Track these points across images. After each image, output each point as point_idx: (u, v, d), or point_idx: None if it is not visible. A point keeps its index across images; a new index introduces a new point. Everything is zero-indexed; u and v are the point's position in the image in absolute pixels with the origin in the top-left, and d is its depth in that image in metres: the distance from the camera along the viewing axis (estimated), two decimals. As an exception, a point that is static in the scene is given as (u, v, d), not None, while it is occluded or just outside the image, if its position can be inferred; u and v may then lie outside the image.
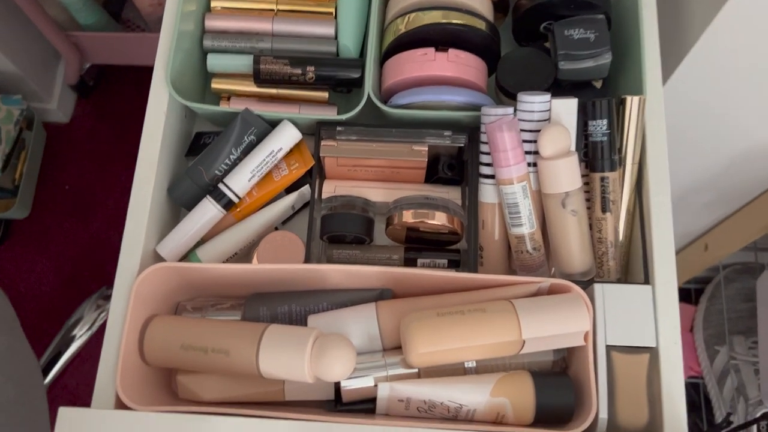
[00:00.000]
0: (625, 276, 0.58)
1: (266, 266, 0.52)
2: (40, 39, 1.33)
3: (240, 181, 0.57)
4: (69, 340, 1.15)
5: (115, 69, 1.48)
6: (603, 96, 0.61)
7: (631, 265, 0.58)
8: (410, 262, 0.60)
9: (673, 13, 0.68)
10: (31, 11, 1.22)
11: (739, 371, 1.11)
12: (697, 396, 1.17)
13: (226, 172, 0.58)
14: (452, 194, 0.60)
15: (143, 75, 1.46)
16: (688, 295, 1.26)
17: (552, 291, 0.52)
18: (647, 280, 0.54)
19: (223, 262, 0.59)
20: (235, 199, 0.58)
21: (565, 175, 0.52)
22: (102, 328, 1.16)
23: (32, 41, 1.34)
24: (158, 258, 0.58)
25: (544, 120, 0.54)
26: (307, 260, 0.57)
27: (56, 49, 1.35)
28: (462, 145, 0.59)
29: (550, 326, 0.48)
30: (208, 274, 0.54)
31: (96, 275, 1.40)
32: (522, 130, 0.54)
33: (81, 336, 1.15)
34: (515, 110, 0.55)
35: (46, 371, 1.05)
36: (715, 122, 0.77)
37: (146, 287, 0.53)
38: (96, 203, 1.43)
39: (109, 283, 1.26)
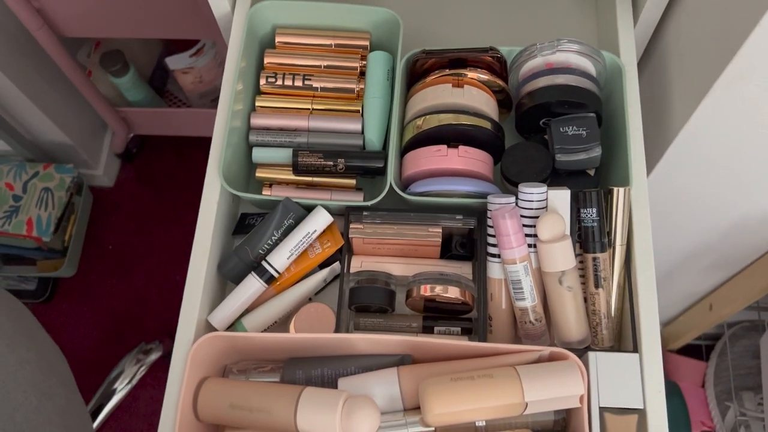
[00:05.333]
0: (618, 344, 0.65)
1: (302, 335, 0.61)
2: (91, 112, 1.47)
3: (280, 259, 0.67)
4: (110, 394, 1.20)
5: (155, 137, 1.61)
6: (596, 182, 0.70)
7: (624, 333, 0.65)
8: (428, 330, 0.68)
9: (660, 104, 0.77)
10: (85, 90, 1.36)
11: (749, 427, 1.15)
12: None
13: (268, 251, 0.68)
14: (464, 269, 0.69)
15: (181, 142, 1.60)
16: (698, 351, 1.30)
17: (551, 358, 0.59)
18: (636, 348, 0.61)
19: (265, 329, 0.68)
20: (276, 275, 0.67)
21: (561, 256, 0.61)
22: (141, 382, 1.23)
23: (84, 115, 1.48)
24: (209, 327, 0.67)
25: (542, 208, 0.63)
26: (338, 328, 0.66)
27: (105, 121, 1.49)
28: (472, 227, 0.67)
29: (549, 390, 0.56)
30: (252, 342, 0.63)
31: (136, 330, 1.49)
32: (522, 216, 0.63)
33: (121, 389, 1.21)
34: (517, 199, 0.64)
35: (88, 423, 1.11)
36: (710, 194, 0.83)
37: (200, 353, 0.62)
38: (136, 261, 1.54)
39: (148, 337, 1.34)
